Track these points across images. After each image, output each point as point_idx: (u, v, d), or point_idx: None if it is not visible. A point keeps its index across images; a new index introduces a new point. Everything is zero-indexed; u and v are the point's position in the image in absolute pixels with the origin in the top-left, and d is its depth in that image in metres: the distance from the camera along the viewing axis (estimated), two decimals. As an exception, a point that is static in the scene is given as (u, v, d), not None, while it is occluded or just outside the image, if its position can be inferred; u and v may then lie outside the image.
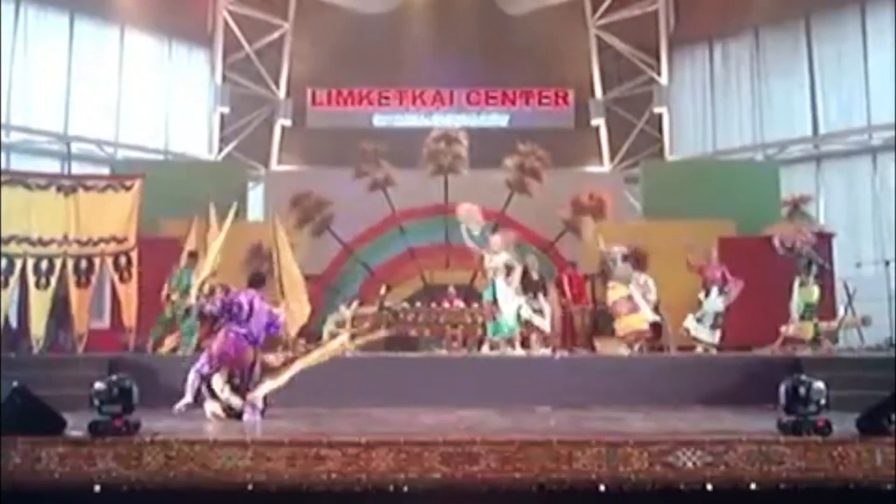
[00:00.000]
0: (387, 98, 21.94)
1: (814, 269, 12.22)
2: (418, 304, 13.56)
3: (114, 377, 6.83)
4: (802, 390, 6.23)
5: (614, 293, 11.81)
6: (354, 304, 13.77)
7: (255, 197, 19.87)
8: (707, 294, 11.97)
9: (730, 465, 5.94)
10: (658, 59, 22.00)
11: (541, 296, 11.76)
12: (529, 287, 11.75)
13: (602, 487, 5.93)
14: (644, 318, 11.64)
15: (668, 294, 12.44)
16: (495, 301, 11.37)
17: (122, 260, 11.47)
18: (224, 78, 21.73)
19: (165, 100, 20.90)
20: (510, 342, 11.37)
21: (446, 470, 6.00)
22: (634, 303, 11.68)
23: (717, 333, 11.91)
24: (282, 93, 22.08)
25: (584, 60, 22.21)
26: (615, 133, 21.96)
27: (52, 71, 18.86)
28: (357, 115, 21.64)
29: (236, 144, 21.52)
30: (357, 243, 15.37)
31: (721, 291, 11.93)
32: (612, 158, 21.85)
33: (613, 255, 11.98)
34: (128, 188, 11.48)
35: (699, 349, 11.83)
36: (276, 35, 21.93)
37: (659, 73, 21.92)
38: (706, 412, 8.62)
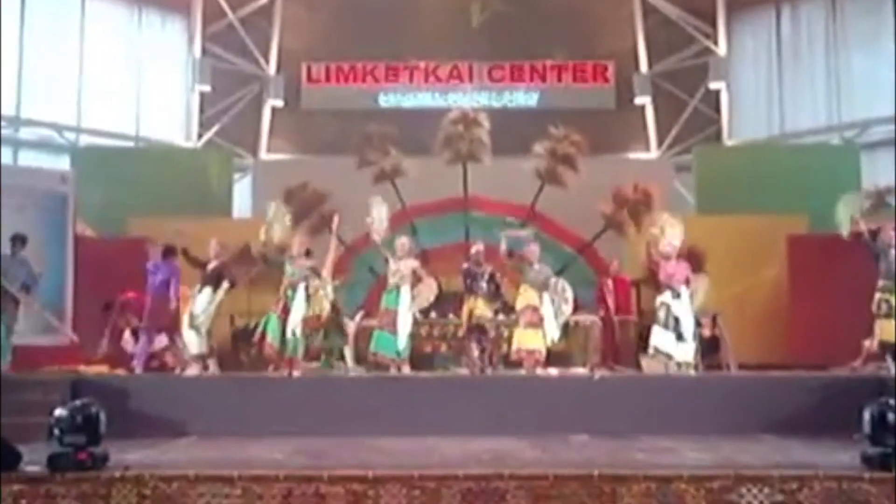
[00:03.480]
0: (395, 74, 21.90)
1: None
2: (433, 314, 13.56)
3: (77, 402, 6.86)
4: (891, 417, 6.18)
5: (522, 299, 11.67)
6: (359, 315, 13.76)
7: (242, 190, 19.94)
8: (675, 297, 11.31)
9: (804, 505, 5.91)
10: (715, 25, 21.88)
11: (546, 297, 11.67)
12: (537, 286, 11.66)
13: (652, 531, 5.91)
14: (539, 338, 11.40)
15: (729, 301, 12.39)
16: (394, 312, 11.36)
17: None
18: (204, 51, 21.74)
19: (135, 77, 20.92)
20: (396, 363, 11.30)
21: (468, 510, 5.99)
22: (539, 316, 11.50)
23: (690, 348, 11.25)
24: (272, 68, 22.10)
25: (628, 28, 22.13)
26: (664, 113, 21.85)
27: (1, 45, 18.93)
28: (360, 94, 21.62)
29: (219, 129, 21.52)
30: (362, 244, 15.33)
31: (682, 294, 11.31)
32: (659, 143, 21.77)
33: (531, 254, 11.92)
34: None
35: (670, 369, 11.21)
36: (264, 0, 21.99)
37: (716, 43, 21.80)
38: (775, 442, 8.57)
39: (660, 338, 11.17)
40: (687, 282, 11.30)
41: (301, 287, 11.50)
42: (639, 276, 14.96)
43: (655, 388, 10.30)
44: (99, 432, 6.50)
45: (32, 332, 11.71)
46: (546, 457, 7.64)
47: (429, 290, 12.02)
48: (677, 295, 11.25)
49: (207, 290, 11.57)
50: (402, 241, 11.84)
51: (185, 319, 11.45)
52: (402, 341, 11.29)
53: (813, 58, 20.51)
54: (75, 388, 9.27)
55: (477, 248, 12.05)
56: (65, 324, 12.42)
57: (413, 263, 11.65)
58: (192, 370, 11.26)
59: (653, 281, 14.46)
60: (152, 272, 11.70)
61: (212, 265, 11.73)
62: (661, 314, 11.25)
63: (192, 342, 11.45)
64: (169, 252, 11.96)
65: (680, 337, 11.12)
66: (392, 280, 11.55)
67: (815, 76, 20.44)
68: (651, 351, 11.29)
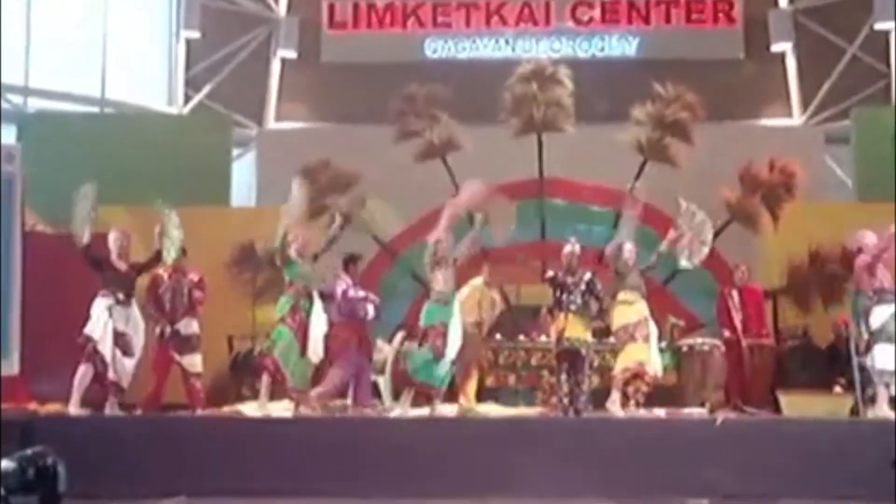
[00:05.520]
0: (446, 15, 21.95)
1: None
2: (497, 336, 13.57)
3: (28, 451, 6.98)
4: None
5: (623, 312, 11.78)
6: (399, 335, 13.83)
7: (243, 169, 20.08)
8: (879, 301, 11.45)
9: None
10: (881, -57, 21.75)
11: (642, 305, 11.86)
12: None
13: None
14: (644, 351, 11.63)
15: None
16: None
17: None
18: (192, -15, 22.00)
19: (100, 22, 21.14)
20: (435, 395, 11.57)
21: None
22: (649, 331, 11.70)
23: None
24: (282, 8, 22.27)
25: (760, -50, 22.08)
26: (811, 65, 21.72)
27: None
28: (400, 43, 21.72)
29: (212, 89, 21.73)
30: (403, 242, 15.46)
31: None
32: (805, 105, 21.64)
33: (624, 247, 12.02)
34: None
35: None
36: (271, -83, 22.19)
37: (883, -33, 21.65)
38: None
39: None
40: None
41: (316, 295, 11.71)
42: (776, 286, 14.88)
43: (800, 436, 10.26)
44: (57, 491, 6.61)
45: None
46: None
47: (489, 305, 12.09)
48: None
49: (133, 301, 11.54)
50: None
51: (107, 335, 11.40)
52: (446, 365, 11.48)
53: None
54: (26, 432, 9.42)
55: (570, 248, 12.05)
56: (11, 347, 12.59)
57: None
58: (111, 408, 11.28)
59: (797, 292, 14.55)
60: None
61: (123, 266, 11.68)
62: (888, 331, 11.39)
63: (127, 371, 11.42)
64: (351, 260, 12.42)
65: None
66: (440, 288, 11.67)
67: None
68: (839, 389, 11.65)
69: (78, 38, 20.92)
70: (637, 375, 11.62)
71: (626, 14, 21.80)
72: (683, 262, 12.26)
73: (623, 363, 11.67)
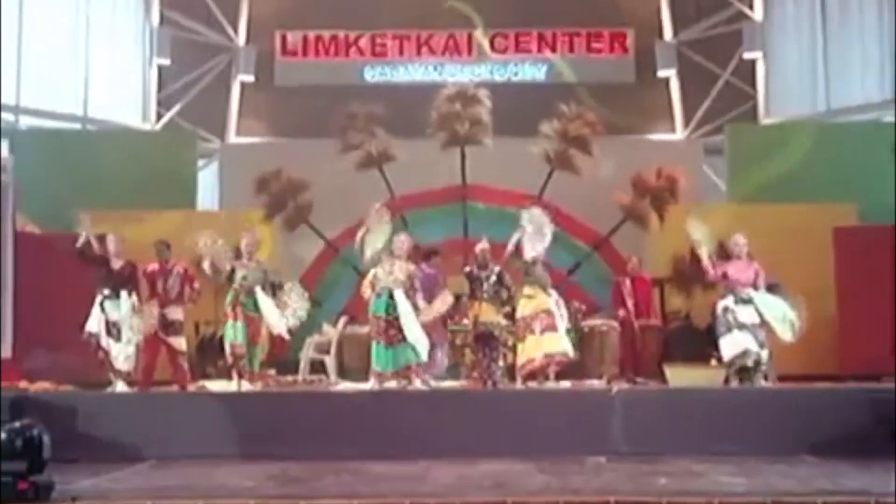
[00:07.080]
0: (383, 45, 21.84)
1: None
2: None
3: (17, 423, 6.85)
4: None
5: (529, 304, 11.63)
6: (342, 320, 13.78)
7: (207, 178, 19.88)
8: (739, 301, 11.47)
9: (854, 536, 5.90)
10: (749, -15, 21.91)
11: (554, 299, 11.70)
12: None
13: (678, 567, 5.90)
14: (559, 341, 11.52)
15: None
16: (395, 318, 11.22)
17: None
18: (163, 19, 21.67)
19: (83, 50, 20.86)
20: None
21: (467, 544, 5.98)
22: (553, 320, 11.56)
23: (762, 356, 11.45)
24: (241, 38, 22.06)
25: (649, -10, 22.16)
26: (691, 88, 21.80)
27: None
28: (343, 68, 21.58)
29: (180, 109, 21.48)
30: (345, 239, 15.36)
31: (750, 298, 11.46)
32: (686, 122, 21.74)
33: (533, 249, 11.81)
34: None
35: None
36: (232, -40, 21.95)
37: (751, 6, 21.74)
38: (820, 465, 8.58)
39: (726, 348, 11.39)
40: (755, 284, 11.46)
41: (258, 290, 11.54)
42: (663, 275, 14.97)
43: (682, 403, 10.32)
44: (42, 458, 6.49)
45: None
46: (556, 482, 7.64)
47: (442, 303, 11.96)
48: (741, 300, 11.38)
49: (124, 294, 11.34)
50: (402, 239, 11.75)
51: (101, 328, 11.27)
52: (422, 351, 11.11)
53: (863, 21, 20.22)
54: (15, 407, 9.26)
55: (482, 245, 12.04)
56: (4, 333, 12.39)
57: (410, 268, 11.55)
58: (121, 387, 11.15)
59: (680, 281, 14.63)
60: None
61: (118, 264, 11.54)
62: (724, 321, 11.47)
63: (122, 356, 11.23)
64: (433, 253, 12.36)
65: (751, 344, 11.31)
66: (384, 280, 11.40)
67: (866, 44, 20.22)
68: (715, 362, 11.76)
69: (64, 63, 20.59)
70: (546, 365, 11.54)
71: (536, 44, 21.79)
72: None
73: (529, 354, 11.51)
